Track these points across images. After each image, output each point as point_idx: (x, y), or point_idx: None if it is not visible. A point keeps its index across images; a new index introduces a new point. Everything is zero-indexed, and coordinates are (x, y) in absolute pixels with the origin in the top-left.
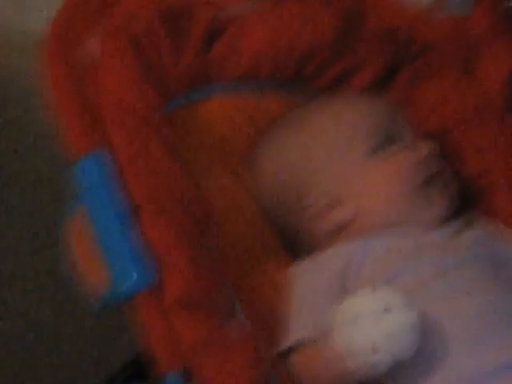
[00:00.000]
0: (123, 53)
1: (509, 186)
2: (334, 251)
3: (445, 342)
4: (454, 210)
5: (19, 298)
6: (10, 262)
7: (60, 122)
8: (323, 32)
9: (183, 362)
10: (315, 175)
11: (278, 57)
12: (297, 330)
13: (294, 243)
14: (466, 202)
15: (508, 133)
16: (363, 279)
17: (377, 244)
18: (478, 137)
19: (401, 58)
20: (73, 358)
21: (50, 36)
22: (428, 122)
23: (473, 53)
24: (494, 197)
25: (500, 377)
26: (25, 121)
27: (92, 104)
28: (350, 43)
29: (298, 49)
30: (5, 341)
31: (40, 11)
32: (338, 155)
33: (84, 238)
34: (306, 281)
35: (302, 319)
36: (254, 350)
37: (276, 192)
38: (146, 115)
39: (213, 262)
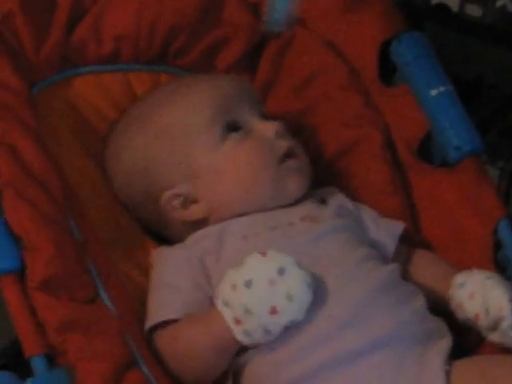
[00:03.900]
0: None
1: (371, 157)
2: (192, 239)
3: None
4: (308, 188)
5: None
6: None
7: None
8: (185, 10)
9: (48, 346)
10: (164, 175)
11: (140, 38)
12: (161, 309)
13: (157, 231)
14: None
15: (372, 106)
16: (223, 264)
17: (234, 229)
18: (344, 112)
19: (267, 33)
20: None
21: None
22: (296, 99)
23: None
24: (363, 168)
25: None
26: None
27: None
28: (213, 20)
29: (161, 29)
30: None
31: None
32: (184, 151)
33: None
34: (168, 264)
35: (165, 299)
36: (119, 331)
37: (130, 190)
38: (7, 101)
39: (75, 244)
